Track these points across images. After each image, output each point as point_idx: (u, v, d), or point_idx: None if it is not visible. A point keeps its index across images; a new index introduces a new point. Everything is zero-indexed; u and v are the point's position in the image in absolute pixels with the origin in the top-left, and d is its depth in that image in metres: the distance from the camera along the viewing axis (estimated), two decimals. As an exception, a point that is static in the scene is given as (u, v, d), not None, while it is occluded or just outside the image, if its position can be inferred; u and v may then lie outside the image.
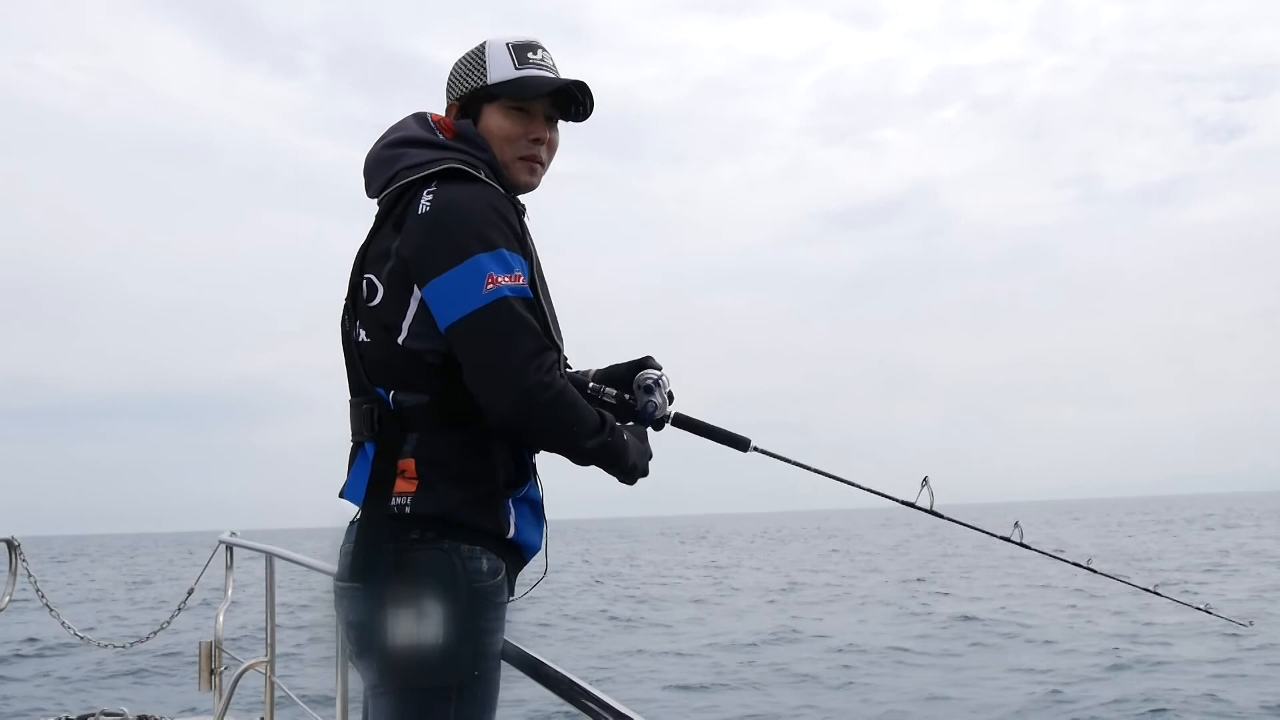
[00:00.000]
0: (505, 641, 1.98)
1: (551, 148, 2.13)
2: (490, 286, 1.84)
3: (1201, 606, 2.74)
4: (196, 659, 5.07)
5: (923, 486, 2.28)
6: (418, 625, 1.84)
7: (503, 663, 1.98)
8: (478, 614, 1.91)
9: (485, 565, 1.93)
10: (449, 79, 2.15)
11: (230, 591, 5.13)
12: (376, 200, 2.10)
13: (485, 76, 2.07)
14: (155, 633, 6.01)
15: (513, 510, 2.00)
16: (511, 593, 2.02)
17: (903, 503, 2.30)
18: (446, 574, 1.88)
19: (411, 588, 1.87)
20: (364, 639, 1.93)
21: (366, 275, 2.01)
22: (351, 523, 2.03)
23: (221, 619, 5.02)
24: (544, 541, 2.08)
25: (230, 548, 5.09)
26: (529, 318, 1.87)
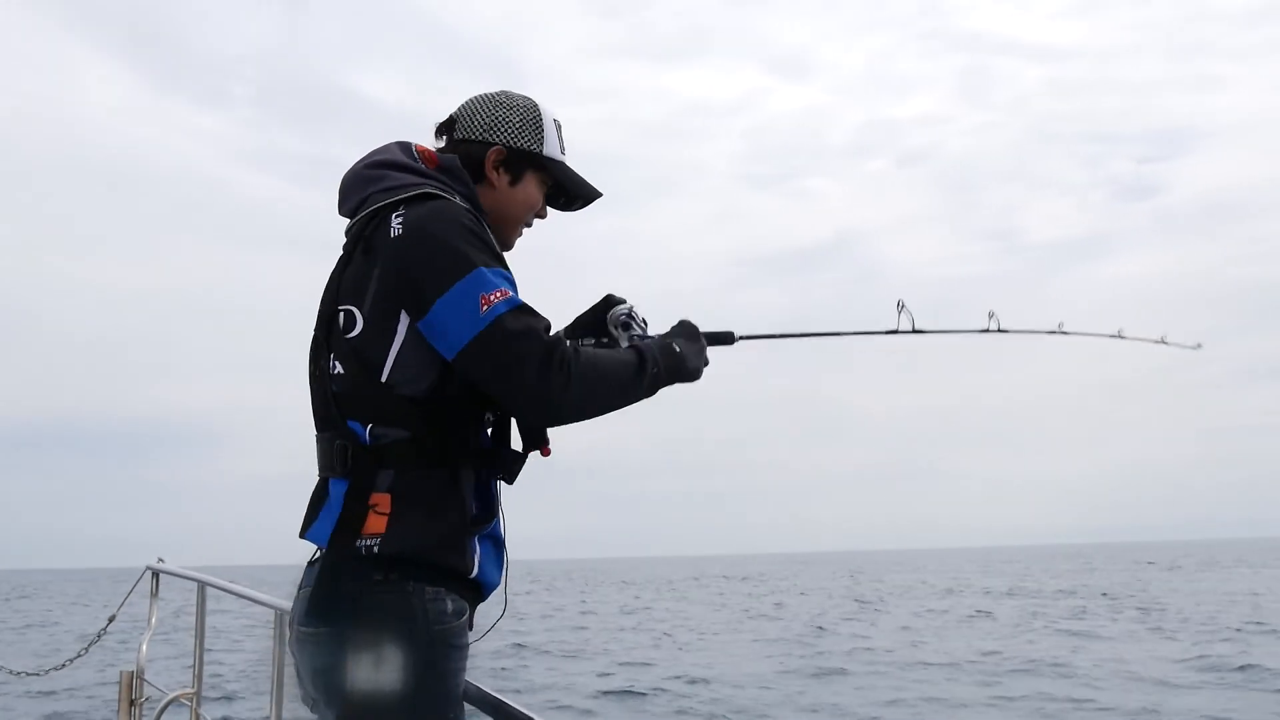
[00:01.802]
0: (466, 682, 1.94)
1: (542, 218, 2.21)
2: (485, 309, 1.81)
3: (1115, 333, 2.83)
4: (117, 689, 4.88)
5: (900, 310, 2.37)
6: (378, 671, 1.78)
7: (466, 704, 1.94)
8: (441, 658, 1.86)
9: (449, 606, 1.88)
10: (494, 118, 2.11)
11: (154, 620, 4.95)
12: (349, 219, 2.06)
13: (541, 144, 2.12)
14: (72, 660, 5.80)
15: (477, 548, 1.95)
16: (470, 629, 1.97)
17: (885, 332, 2.39)
18: (408, 618, 1.82)
19: (373, 632, 1.80)
20: (331, 685, 1.84)
21: (343, 306, 1.95)
22: (310, 563, 1.96)
23: (145, 648, 4.85)
24: (504, 578, 2.04)
25: (156, 575, 4.92)
26: (529, 323, 1.83)
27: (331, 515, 1.89)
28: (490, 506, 1.99)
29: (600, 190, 2.21)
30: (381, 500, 1.86)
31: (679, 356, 2.03)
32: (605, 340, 2.12)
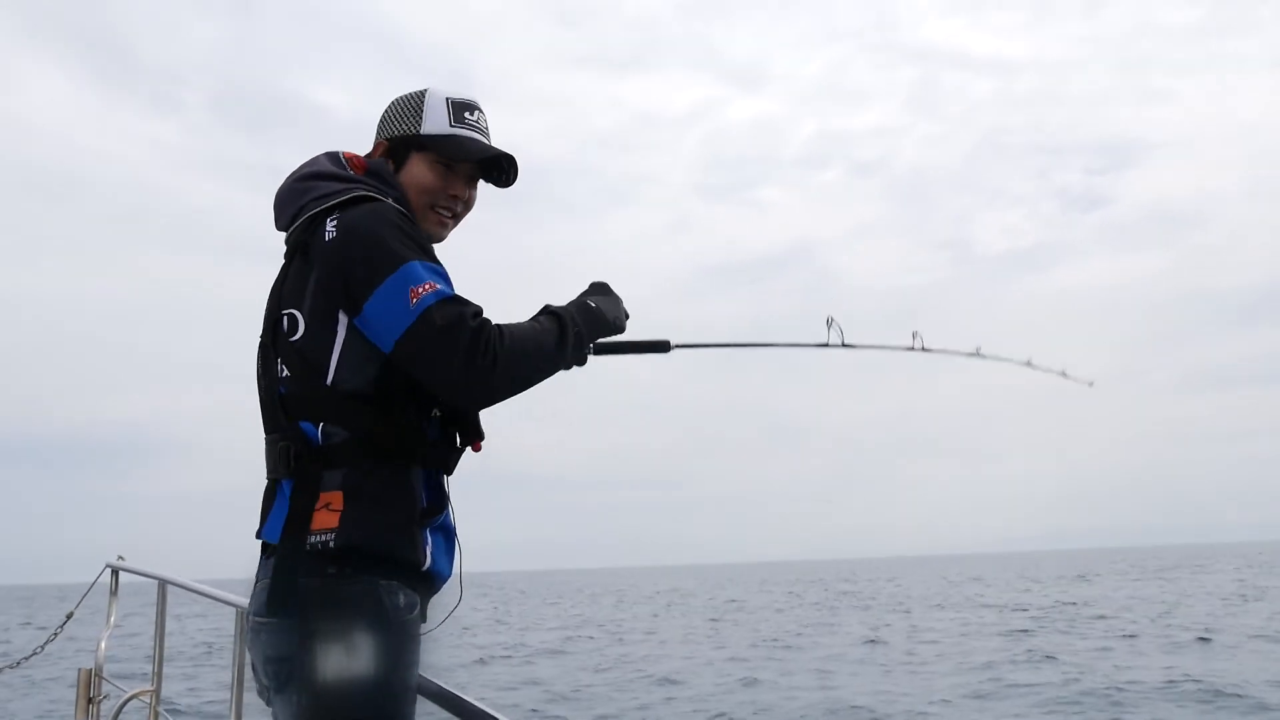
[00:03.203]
0: (420, 676, 1.99)
1: (468, 205, 2.23)
2: (414, 302, 1.87)
3: (1025, 361, 2.97)
4: (75, 687, 4.85)
5: (830, 326, 2.47)
6: (347, 659, 1.84)
7: (420, 697, 2.00)
8: (401, 647, 1.92)
9: (403, 600, 1.94)
10: (382, 117, 2.21)
11: (113, 618, 4.93)
12: (285, 234, 2.13)
13: (419, 125, 2.15)
14: (29, 657, 5.75)
15: (429, 540, 2.01)
16: (424, 620, 2.03)
17: (816, 345, 2.49)
18: (373, 607, 1.89)
19: (339, 621, 1.86)
20: (285, 674, 1.89)
21: (286, 311, 2.03)
22: (264, 558, 2.00)
23: (104, 646, 4.82)
24: (458, 568, 2.10)
25: (116, 572, 4.90)
26: (456, 312, 1.88)
27: (282, 513, 1.95)
28: (440, 498, 2.05)
29: (496, 149, 2.17)
30: (334, 498, 1.91)
31: (596, 311, 2.10)
32: None
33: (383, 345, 1.91)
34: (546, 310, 2.08)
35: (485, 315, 1.93)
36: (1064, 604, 34.88)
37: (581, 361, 2.08)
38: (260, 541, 2.04)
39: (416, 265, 1.91)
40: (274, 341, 2.04)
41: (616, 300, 2.19)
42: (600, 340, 2.17)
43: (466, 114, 2.17)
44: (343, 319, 1.94)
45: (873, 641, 22.43)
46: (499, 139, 2.24)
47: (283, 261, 2.11)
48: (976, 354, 2.85)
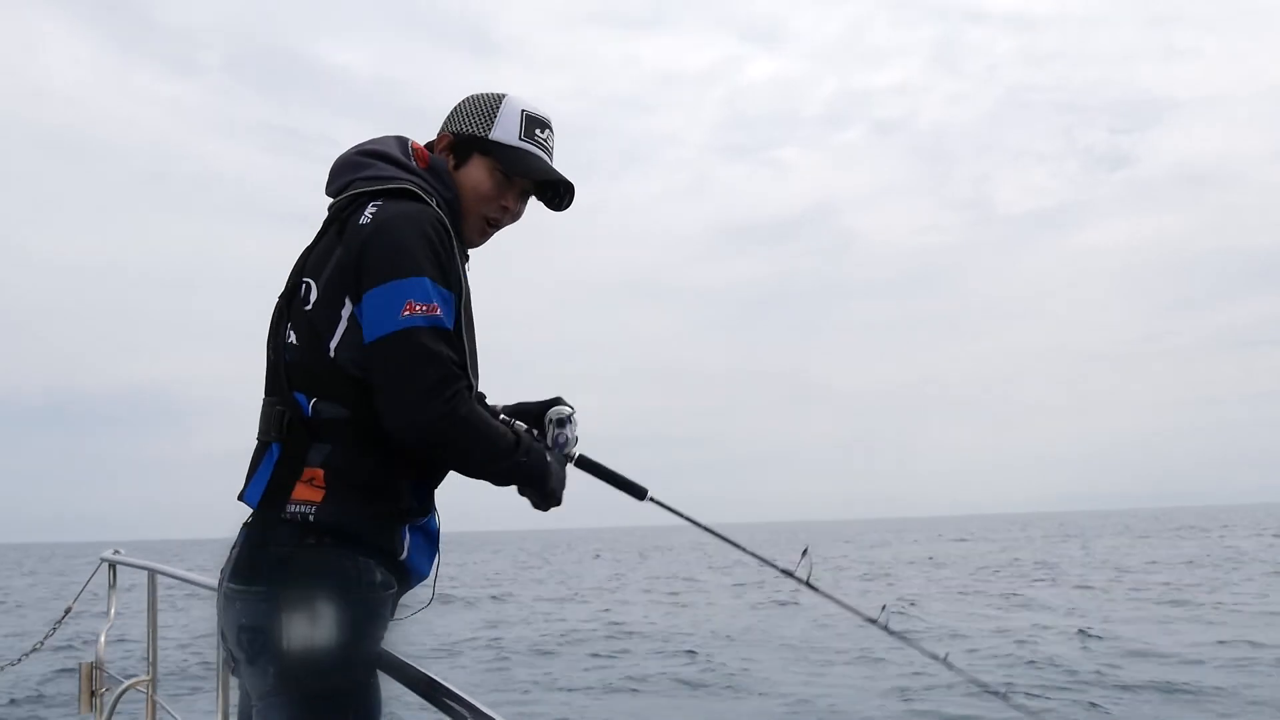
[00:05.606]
0: (396, 657, 1.99)
1: (515, 218, 2.21)
2: (406, 314, 1.86)
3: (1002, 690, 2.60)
4: (77, 680, 4.90)
5: (803, 557, 2.35)
6: (316, 628, 1.83)
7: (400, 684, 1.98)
8: (373, 620, 1.94)
9: (379, 577, 1.94)
10: (455, 110, 2.20)
11: (113, 611, 4.97)
12: (332, 199, 2.13)
13: (489, 130, 2.14)
14: (30, 653, 5.80)
15: (408, 536, 2.01)
16: (393, 613, 2.04)
17: (780, 570, 2.37)
18: (345, 578, 1.89)
19: (309, 590, 1.86)
20: (258, 643, 1.88)
21: (305, 279, 2.03)
22: (245, 525, 2.00)
23: (104, 639, 4.86)
24: (434, 571, 2.10)
25: (113, 566, 4.93)
26: (438, 349, 1.88)
27: (265, 477, 1.95)
28: (425, 501, 2.05)
29: (559, 174, 2.18)
30: (316, 474, 1.92)
31: (544, 468, 2.07)
32: (535, 431, 2.19)
33: (365, 338, 1.91)
34: (515, 427, 2.07)
35: (465, 373, 1.93)
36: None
37: (502, 484, 2.05)
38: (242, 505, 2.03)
39: (427, 282, 1.90)
40: (289, 306, 2.04)
41: (564, 481, 2.15)
42: (585, 457, 2.22)
43: (538, 131, 2.17)
44: (348, 304, 1.94)
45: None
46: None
47: (319, 229, 2.10)
48: (942, 660, 2.53)
